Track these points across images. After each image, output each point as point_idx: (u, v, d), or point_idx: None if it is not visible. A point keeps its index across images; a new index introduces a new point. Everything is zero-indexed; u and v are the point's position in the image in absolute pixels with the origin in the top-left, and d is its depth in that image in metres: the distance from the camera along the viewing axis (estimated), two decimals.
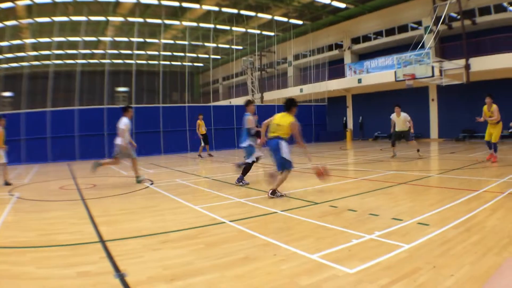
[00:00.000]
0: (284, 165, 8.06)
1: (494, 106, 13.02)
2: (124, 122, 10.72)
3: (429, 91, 27.92)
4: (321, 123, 31.83)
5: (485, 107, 13.21)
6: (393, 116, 15.64)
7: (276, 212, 6.66)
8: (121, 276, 3.93)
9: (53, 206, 8.08)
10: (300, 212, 6.61)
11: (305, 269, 4.00)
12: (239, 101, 42.41)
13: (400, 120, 15.46)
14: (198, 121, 19.75)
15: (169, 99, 47.21)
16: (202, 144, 19.87)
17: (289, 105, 8.23)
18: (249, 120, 10.00)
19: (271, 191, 8.01)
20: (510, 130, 19.33)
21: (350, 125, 33.90)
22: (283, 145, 7.99)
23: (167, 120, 24.06)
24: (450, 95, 26.21)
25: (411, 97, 27.13)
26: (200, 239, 5.21)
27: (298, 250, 4.56)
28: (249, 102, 10.47)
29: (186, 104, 26.63)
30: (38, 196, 9.49)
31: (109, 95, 39.89)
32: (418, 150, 15.58)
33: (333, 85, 33.16)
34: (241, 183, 9.99)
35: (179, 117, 24.49)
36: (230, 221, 6.09)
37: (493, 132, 13.17)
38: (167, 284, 3.73)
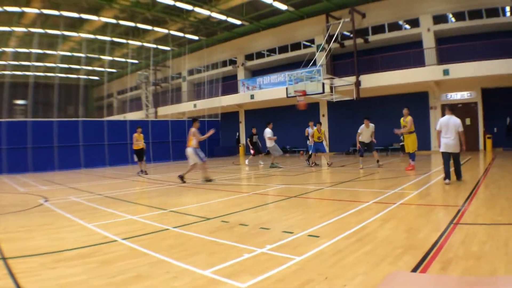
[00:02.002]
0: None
1: (409, 118, 13.72)
2: None
3: (319, 107, 29.06)
4: (214, 138, 31.62)
5: (402, 119, 14.01)
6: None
7: (168, 229, 6.40)
8: None
9: None
10: (191, 228, 6.41)
11: (197, 285, 3.89)
12: (133, 116, 41.28)
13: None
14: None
15: (64, 113, 45.61)
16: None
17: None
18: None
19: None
20: (401, 143, 20.41)
21: (243, 140, 34.20)
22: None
23: (61, 135, 22.80)
24: (340, 111, 27.49)
25: (303, 113, 28.04)
26: (94, 257, 4.98)
27: (190, 267, 4.43)
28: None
29: (80, 119, 25.35)
30: None
31: (9, 107, 38.06)
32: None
33: (227, 101, 33.44)
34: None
35: (73, 131, 23.32)
36: (123, 238, 5.83)
37: (408, 143, 13.95)
38: None
